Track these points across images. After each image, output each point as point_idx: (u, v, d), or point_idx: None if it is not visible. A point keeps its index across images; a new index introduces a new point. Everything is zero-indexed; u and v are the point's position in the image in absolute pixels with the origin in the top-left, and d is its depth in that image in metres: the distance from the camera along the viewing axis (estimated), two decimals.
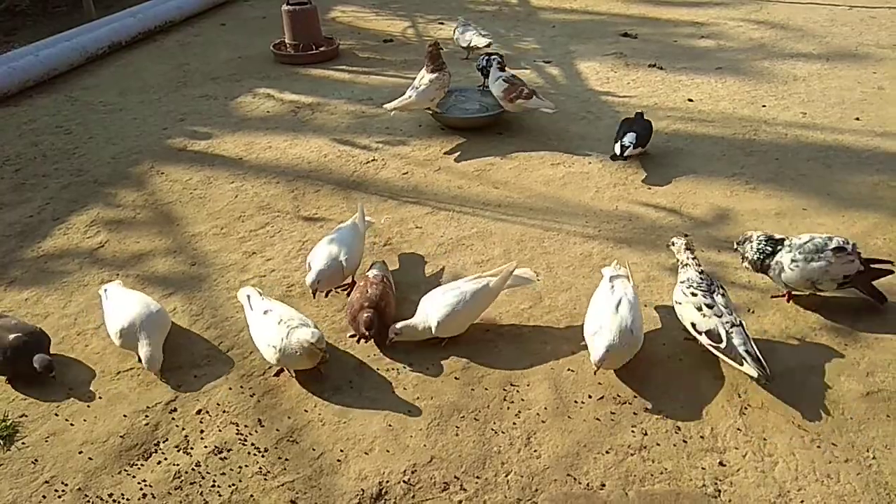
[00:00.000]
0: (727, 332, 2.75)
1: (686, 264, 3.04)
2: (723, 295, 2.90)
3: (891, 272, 3.18)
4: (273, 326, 2.83)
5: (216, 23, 8.26)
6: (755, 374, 2.66)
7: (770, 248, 3.14)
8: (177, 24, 8.00)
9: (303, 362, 2.80)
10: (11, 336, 2.88)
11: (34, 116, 5.62)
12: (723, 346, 2.74)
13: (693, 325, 2.86)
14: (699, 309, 2.84)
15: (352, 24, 8.02)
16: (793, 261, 3.08)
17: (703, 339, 2.81)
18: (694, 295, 2.88)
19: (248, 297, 3.09)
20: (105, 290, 3.24)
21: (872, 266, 3.16)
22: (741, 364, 2.69)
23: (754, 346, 2.73)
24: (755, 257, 3.17)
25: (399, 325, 3.00)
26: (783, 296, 3.28)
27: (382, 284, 3.16)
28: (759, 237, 3.18)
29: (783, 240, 3.16)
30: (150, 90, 6.14)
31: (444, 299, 3.00)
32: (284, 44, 6.90)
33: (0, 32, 8.02)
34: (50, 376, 2.85)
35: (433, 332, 2.97)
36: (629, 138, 4.43)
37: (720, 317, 2.80)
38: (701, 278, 2.95)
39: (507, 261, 3.60)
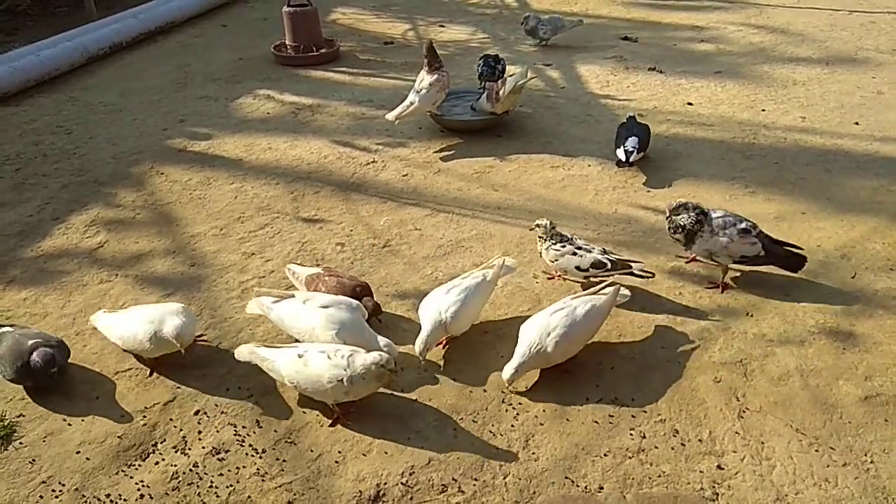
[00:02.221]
0: (606, 256, 3.24)
1: (548, 238, 3.34)
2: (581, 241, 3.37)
3: (800, 254, 3.36)
4: (325, 363, 2.62)
5: (217, 24, 8.27)
6: (640, 273, 3.23)
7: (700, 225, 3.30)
8: (178, 25, 8.00)
9: (371, 388, 2.64)
10: (30, 343, 2.82)
11: (35, 116, 5.63)
12: (609, 266, 3.21)
13: (578, 267, 3.25)
14: (574, 253, 3.27)
15: (352, 26, 8.03)
16: (704, 232, 3.28)
17: (591, 273, 3.24)
18: (564, 246, 3.29)
19: (255, 352, 2.81)
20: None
21: (785, 247, 3.36)
22: (630, 268, 3.23)
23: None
24: (689, 227, 3.29)
25: (419, 344, 2.88)
26: (689, 259, 3.58)
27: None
28: (695, 210, 3.29)
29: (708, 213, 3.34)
30: (151, 91, 6.14)
31: (450, 297, 2.98)
32: (285, 45, 6.91)
33: (1, 32, 8.03)
34: (51, 371, 2.77)
35: (447, 330, 2.96)
36: (632, 143, 4.44)
37: (591, 251, 3.26)
38: (561, 238, 3.33)
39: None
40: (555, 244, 3.32)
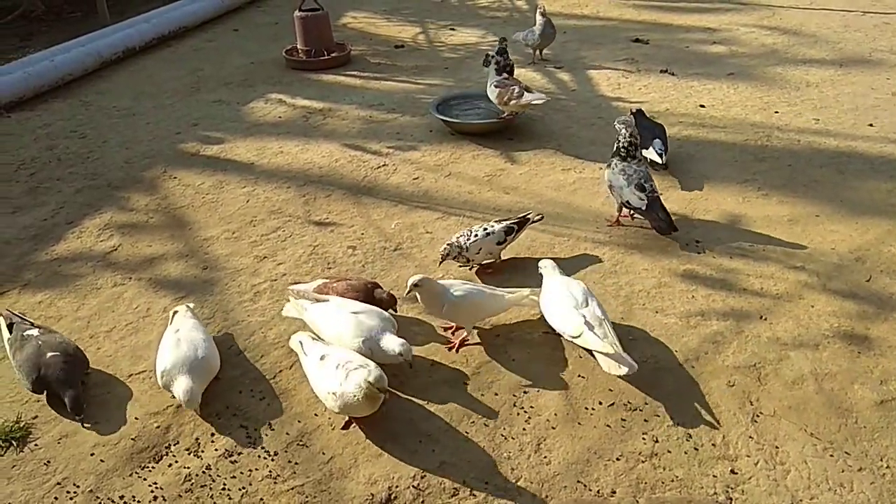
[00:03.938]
0: (507, 223, 3.57)
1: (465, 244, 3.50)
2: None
3: (673, 224, 3.72)
4: (332, 372, 2.61)
5: (229, 28, 8.33)
6: (534, 219, 3.69)
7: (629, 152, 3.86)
8: (190, 29, 8.06)
9: (364, 408, 2.57)
10: (49, 355, 2.82)
11: (49, 121, 5.68)
12: (516, 228, 3.57)
13: (498, 242, 3.53)
14: (488, 235, 3.50)
15: (363, 30, 8.06)
16: (616, 165, 3.86)
17: (507, 242, 3.56)
18: (476, 236, 3.48)
19: (301, 342, 2.86)
20: (175, 313, 3.10)
21: (666, 216, 3.75)
22: (528, 220, 3.65)
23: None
24: (621, 145, 3.88)
25: (419, 277, 2.97)
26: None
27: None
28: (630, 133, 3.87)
29: (635, 154, 3.86)
30: (164, 95, 6.19)
31: (462, 287, 3.05)
32: (296, 49, 6.94)
33: (16, 38, 8.12)
34: (76, 418, 2.75)
35: (442, 311, 3.01)
36: (658, 145, 4.46)
37: (495, 227, 3.53)
38: (469, 233, 3.53)
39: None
40: (468, 239, 3.50)
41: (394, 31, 8.01)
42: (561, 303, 2.98)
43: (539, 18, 6.45)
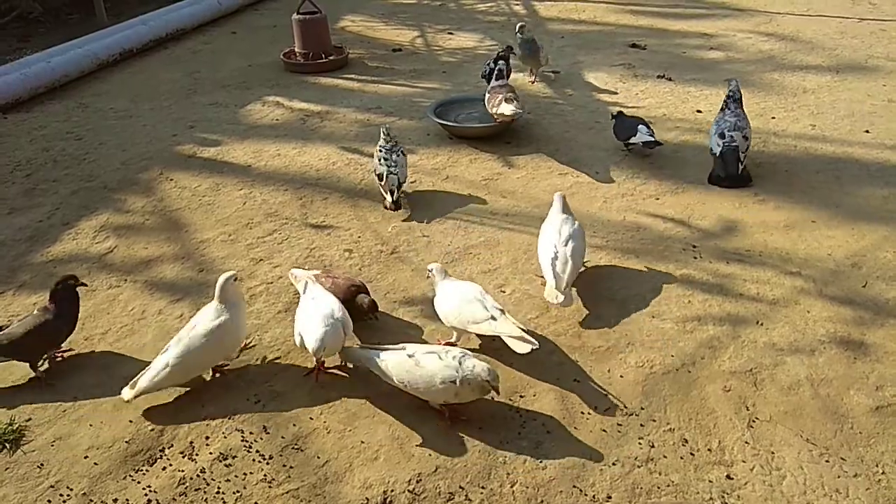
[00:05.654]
0: (388, 170, 4.13)
1: (385, 138, 4.23)
2: (402, 154, 4.23)
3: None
4: (436, 363, 2.65)
5: (227, 31, 8.32)
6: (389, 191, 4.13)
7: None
8: (188, 31, 8.06)
9: (476, 394, 2.66)
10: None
11: (45, 122, 5.67)
12: (383, 182, 4.15)
13: (374, 170, 4.19)
14: (380, 160, 4.17)
15: (361, 34, 8.06)
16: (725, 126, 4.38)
17: (377, 181, 4.18)
18: (381, 150, 4.19)
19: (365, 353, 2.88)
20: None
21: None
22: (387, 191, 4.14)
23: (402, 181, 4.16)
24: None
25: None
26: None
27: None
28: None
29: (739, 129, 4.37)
30: (161, 97, 6.18)
31: (459, 303, 3.02)
32: (294, 52, 6.94)
33: (13, 39, 8.11)
34: None
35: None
36: (644, 129, 4.62)
37: (388, 168, 4.12)
38: (387, 141, 4.22)
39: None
40: (383, 145, 4.19)
41: (392, 34, 8.01)
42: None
43: (518, 38, 6.00)
